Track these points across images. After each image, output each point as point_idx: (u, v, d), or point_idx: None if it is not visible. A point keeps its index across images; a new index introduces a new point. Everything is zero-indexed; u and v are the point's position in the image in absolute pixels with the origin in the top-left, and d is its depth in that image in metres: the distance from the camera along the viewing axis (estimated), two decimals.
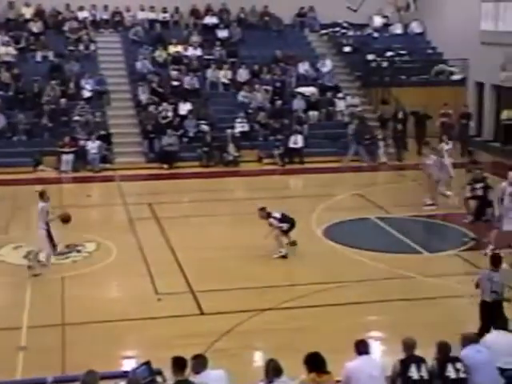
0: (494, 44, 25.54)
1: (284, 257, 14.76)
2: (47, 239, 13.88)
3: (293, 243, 15.20)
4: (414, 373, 8.14)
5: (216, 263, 14.48)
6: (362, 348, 8.33)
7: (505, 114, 25.29)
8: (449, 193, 18.07)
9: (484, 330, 10.13)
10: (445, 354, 8.39)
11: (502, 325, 9.49)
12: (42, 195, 14.09)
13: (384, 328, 11.77)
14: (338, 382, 8.20)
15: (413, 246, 15.57)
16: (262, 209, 15.10)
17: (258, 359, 10.54)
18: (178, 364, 7.96)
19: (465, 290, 13.09)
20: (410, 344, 8.39)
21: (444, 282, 13.47)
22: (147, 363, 8.45)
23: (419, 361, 8.24)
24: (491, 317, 10.22)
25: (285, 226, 14.92)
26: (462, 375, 8.27)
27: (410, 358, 8.28)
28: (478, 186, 15.23)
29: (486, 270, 10.90)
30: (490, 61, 25.52)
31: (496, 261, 10.81)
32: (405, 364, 8.23)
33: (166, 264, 14.46)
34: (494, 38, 25.73)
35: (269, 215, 14.94)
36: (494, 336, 9.08)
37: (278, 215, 14.95)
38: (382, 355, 10.42)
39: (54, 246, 14.06)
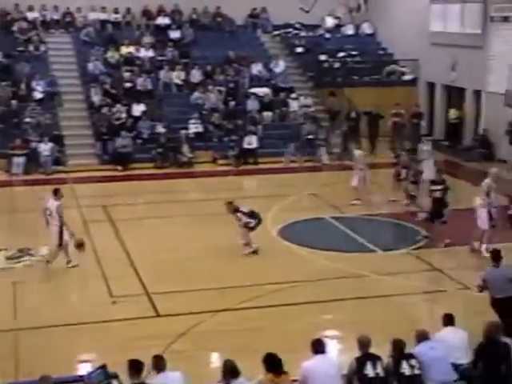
0: (444, 45, 25.95)
1: (255, 252, 14.88)
2: (58, 235, 13.91)
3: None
4: (369, 370, 8.23)
5: (171, 265, 14.43)
6: (318, 347, 8.39)
7: (452, 113, 25.72)
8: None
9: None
10: (399, 351, 8.50)
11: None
12: (56, 193, 14.18)
13: (340, 327, 11.87)
14: (295, 381, 8.25)
15: (367, 244, 15.72)
16: (230, 203, 15.02)
17: (215, 360, 10.55)
18: (134, 367, 7.92)
19: (418, 287, 13.31)
20: (365, 342, 8.47)
21: (398, 280, 13.63)
22: (103, 367, 8.38)
23: (375, 358, 8.33)
24: (503, 313, 10.27)
25: (252, 222, 14.91)
26: (416, 371, 8.39)
27: (366, 356, 8.36)
28: (438, 187, 15.41)
29: (488, 268, 10.94)
30: (440, 61, 25.92)
31: (496, 256, 10.86)
32: (360, 362, 8.31)
33: (120, 266, 14.36)
34: (444, 38, 26.13)
35: (236, 210, 14.88)
36: (447, 332, 9.22)
37: (246, 210, 14.94)
38: (338, 354, 10.50)
39: (60, 244, 14.02)
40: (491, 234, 14.78)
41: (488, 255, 14.01)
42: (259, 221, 15.08)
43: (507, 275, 10.56)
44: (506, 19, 23.12)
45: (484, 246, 14.70)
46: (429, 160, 18.97)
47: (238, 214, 14.83)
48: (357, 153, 19.23)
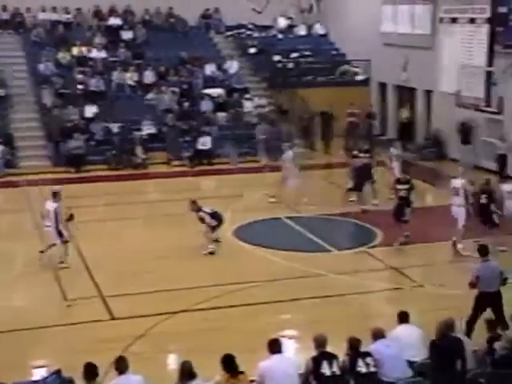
0: (395, 45, 26.28)
1: (211, 253, 15.03)
2: (58, 235, 14.25)
3: (217, 240, 15.45)
4: (326, 369, 8.28)
5: (127, 267, 14.34)
6: (274, 347, 8.41)
7: (403, 113, 26.04)
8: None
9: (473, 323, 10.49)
10: (355, 350, 8.57)
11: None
12: (55, 195, 14.40)
13: (297, 326, 11.93)
14: (253, 381, 8.26)
15: (323, 244, 15.82)
16: (194, 202, 15.25)
17: (173, 362, 10.51)
18: (90, 371, 7.83)
19: (374, 286, 13.45)
20: (321, 341, 8.51)
21: (354, 279, 13.76)
22: (58, 371, 8.31)
23: (331, 357, 8.37)
24: (493, 307, 10.53)
25: (214, 222, 15.16)
26: (372, 369, 8.48)
27: (322, 355, 8.40)
28: (403, 187, 15.62)
29: (478, 264, 11.06)
30: (392, 61, 26.24)
31: (485, 251, 11.03)
32: (317, 361, 8.35)
33: (75, 269, 14.21)
34: (395, 39, 26.47)
35: (199, 209, 15.14)
36: (402, 330, 9.32)
37: (208, 210, 15.21)
38: (295, 353, 10.55)
39: (66, 241, 14.38)
40: (463, 231, 15.03)
41: (467, 253, 14.47)
42: (220, 222, 15.34)
43: (497, 269, 10.84)
44: (454, 20, 23.49)
45: (460, 245, 15.06)
46: (397, 162, 18.92)
47: (201, 213, 15.09)
48: (288, 153, 19.24)
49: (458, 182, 15.20)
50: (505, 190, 15.07)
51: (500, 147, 20.24)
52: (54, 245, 14.42)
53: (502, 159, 20.19)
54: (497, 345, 8.86)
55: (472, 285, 10.80)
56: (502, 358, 8.61)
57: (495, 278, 10.73)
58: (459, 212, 14.99)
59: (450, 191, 15.25)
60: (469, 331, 10.32)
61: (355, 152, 19.34)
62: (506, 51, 20.50)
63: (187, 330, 11.49)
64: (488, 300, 10.68)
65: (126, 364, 8.10)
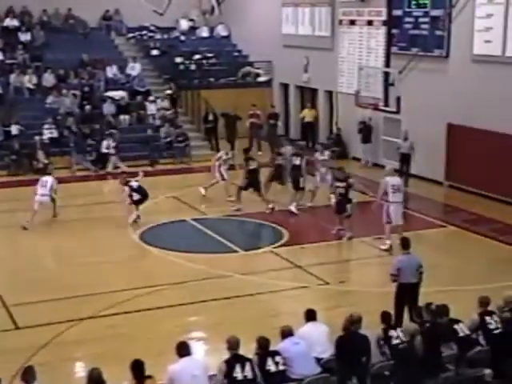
0: (296, 47, 26.65)
1: (135, 221, 16.80)
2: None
3: (136, 220, 16.99)
4: (238, 373, 8.29)
5: (28, 274, 14.00)
6: (183, 350, 8.39)
7: (305, 114, 26.41)
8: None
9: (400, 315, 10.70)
10: (264, 349, 8.65)
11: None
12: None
13: (205, 328, 11.94)
14: None
15: (229, 245, 15.87)
16: (124, 177, 17.28)
17: (81, 370, 10.32)
18: None
19: (280, 285, 13.59)
20: (234, 343, 8.51)
21: (260, 279, 13.87)
22: None
23: (243, 360, 8.40)
24: (410, 298, 10.79)
25: (135, 196, 16.72)
26: (281, 368, 8.58)
27: (235, 358, 8.41)
28: (341, 185, 16.03)
29: (399, 256, 11.35)
30: (293, 63, 26.60)
31: (407, 244, 11.32)
32: (229, 364, 8.36)
33: None
34: (296, 41, 26.84)
35: (127, 183, 16.88)
36: (309, 327, 9.46)
37: (134, 185, 16.83)
38: (204, 355, 10.56)
39: None
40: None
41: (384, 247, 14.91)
42: (144, 197, 16.91)
43: (417, 261, 11.15)
44: (352, 23, 24.05)
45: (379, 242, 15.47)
46: (326, 170, 18.66)
47: (126, 188, 16.80)
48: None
49: (397, 180, 15.56)
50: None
51: (402, 146, 20.86)
52: None
53: (404, 158, 20.86)
54: (393, 333, 9.15)
55: (393, 276, 11.12)
56: (401, 351, 8.86)
57: (415, 271, 11.07)
58: (398, 209, 15.29)
59: (386, 189, 15.22)
60: (398, 324, 10.49)
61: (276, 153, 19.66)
62: (401, 52, 21.14)
63: (94, 336, 11.31)
64: (407, 291, 11.00)
65: (34, 374, 7.90)
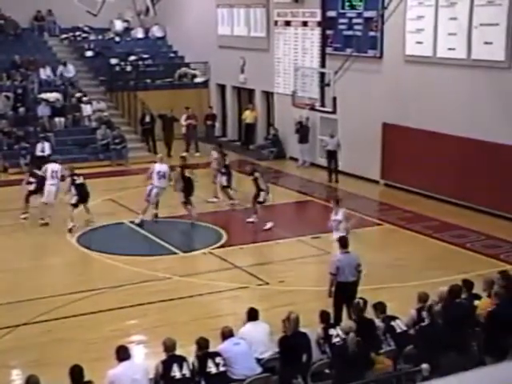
0: (232, 48, 26.69)
1: (71, 230, 16.32)
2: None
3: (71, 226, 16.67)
4: (176, 372, 8.30)
5: None
6: (122, 354, 8.33)
7: (247, 115, 26.46)
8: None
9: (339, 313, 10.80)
10: (204, 349, 8.64)
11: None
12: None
13: (145, 331, 11.84)
14: None
15: (168, 247, 15.80)
16: (72, 169, 17.09)
17: (17, 378, 10.13)
18: None
19: (220, 286, 13.60)
20: (170, 344, 8.52)
21: (199, 280, 13.84)
22: None
23: (181, 360, 8.40)
24: (348, 296, 10.85)
25: (73, 193, 16.74)
26: (221, 369, 8.58)
27: (172, 358, 8.42)
28: (250, 178, 17.06)
29: (338, 255, 11.36)
30: (229, 63, 26.63)
31: (345, 243, 11.42)
32: (166, 364, 8.35)
33: None
34: (231, 41, 26.88)
35: (72, 175, 16.93)
36: (250, 327, 9.47)
37: (78, 181, 16.85)
38: (145, 358, 10.48)
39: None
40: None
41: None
42: (82, 198, 16.86)
43: (356, 260, 11.29)
44: (288, 24, 24.21)
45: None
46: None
47: (69, 179, 16.90)
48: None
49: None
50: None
51: (328, 143, 21.14)
52: None
53: (331, 155, 21.12)
54: (332, 331, 9.25)
55: (332, 275, 11.22)
56: (339, 348, 8.97)
57: (353, 269, 11.21)
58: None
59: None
60: (337, 322, 10.55)
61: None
62: (336, 53, 21.36)
63: (30, 343, 11.10)
64: (346, 290, 11.12)
65: None
